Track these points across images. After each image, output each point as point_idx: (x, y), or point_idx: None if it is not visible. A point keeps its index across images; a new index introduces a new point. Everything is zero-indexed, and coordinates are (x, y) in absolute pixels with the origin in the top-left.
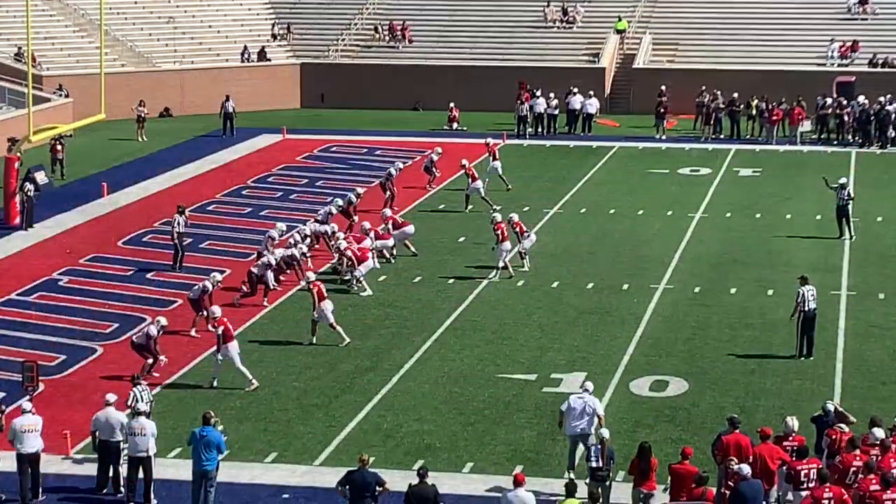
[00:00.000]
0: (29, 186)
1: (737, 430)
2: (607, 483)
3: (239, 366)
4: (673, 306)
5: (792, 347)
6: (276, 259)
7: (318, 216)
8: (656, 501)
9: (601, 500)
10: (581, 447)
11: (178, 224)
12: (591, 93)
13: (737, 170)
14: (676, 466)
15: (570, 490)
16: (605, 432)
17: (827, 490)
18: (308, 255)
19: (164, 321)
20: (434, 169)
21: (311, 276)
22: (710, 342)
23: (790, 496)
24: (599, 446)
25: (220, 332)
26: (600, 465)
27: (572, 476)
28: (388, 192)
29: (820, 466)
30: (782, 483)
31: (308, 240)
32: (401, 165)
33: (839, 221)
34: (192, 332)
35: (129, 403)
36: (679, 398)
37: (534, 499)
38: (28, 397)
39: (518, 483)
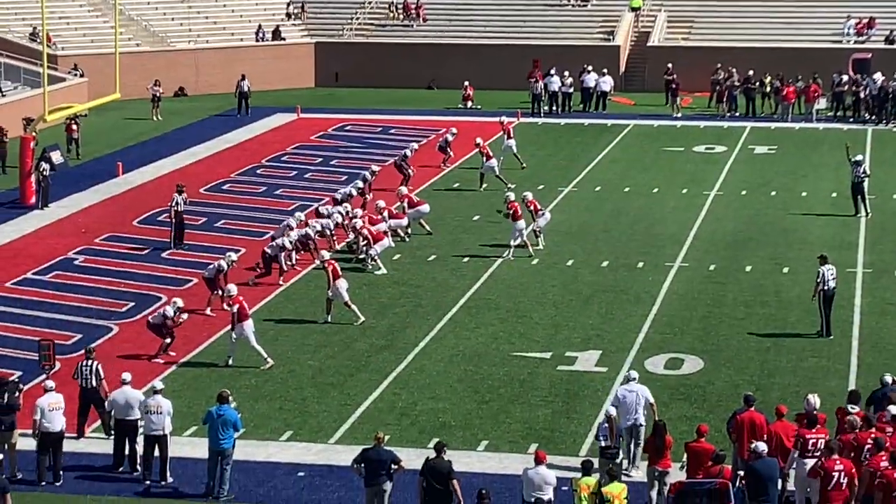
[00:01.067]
0: (45, 166)
1: (752, 408)
2: (618, 461)
3: (254, 344)
4: (688, 284)
5: (808, 325)
6: (290, 241)
7: (336, 195)
8: (671, 479)
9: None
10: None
11: (179, 203)
12: (605, 70)
13: (752, 147)
14: (693, 445)
15: (587, 468)
16: (613, 410)
17: (838, 462)
18: (332, 234)
19: (180, 302)
20: (448, 149)
21: (326, 254)
22: (725, 320)
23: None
24: (607, 425)
25: (234, 310)
26: (609, 443)
27: (633, 473)
28: (405, 172)
29: (828, 438)
30: (792, 455)
31: (330, 219)
32: (415, 146)
33: (854, 199)
34: (208, 311)
35: (73, 376)
36: (694, 376)
37: (554, 476)
38: (46, 376)
39: (539, 461)
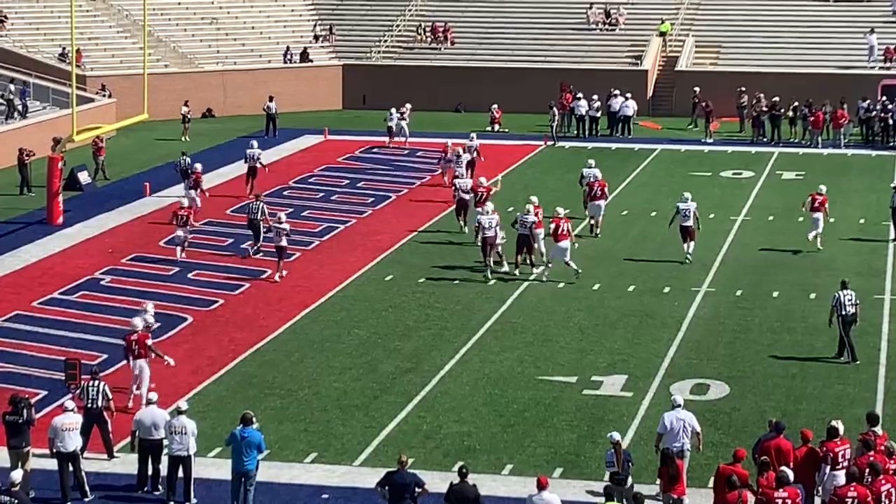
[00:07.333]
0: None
1: (781, 436)
2: (627, 486)
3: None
4: (714, 309)
5: (835, 352)
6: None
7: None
8: None
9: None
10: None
11: (253, 211)
12: (629, 94)
13: (780, 173)
14: (725, 467)
15: (609, 494)
16: (617, 435)
17: (851, 489)
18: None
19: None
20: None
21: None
22: (751, 346)
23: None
24: (613, 451)
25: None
26: (616, 469)
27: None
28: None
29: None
30: (823, 470)
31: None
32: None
33: (894, 221)
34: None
35: (80, 396)
36: (720, 402)
37: (559, 500)
38: (70, 395)
39: (542, 486)
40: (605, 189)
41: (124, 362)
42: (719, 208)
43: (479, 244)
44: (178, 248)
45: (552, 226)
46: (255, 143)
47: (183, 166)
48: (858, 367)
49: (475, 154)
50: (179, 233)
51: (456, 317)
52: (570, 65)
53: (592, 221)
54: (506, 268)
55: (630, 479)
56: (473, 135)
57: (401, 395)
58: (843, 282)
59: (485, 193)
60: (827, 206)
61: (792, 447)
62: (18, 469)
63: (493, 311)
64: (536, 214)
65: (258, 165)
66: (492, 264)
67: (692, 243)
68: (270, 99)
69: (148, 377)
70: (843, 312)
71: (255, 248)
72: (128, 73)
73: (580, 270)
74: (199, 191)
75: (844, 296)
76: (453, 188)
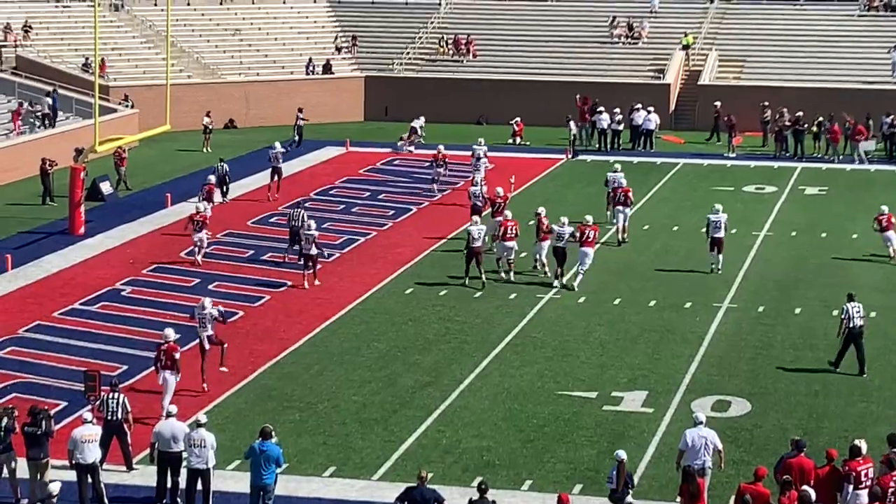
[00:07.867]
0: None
1: (802, 454)
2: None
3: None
4: (736, 325)
5: (856, 369)
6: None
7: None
8: None
9: None
10: None
11: (294, 218)
12: (651, 108)
13: (803, 188)
14: (746, 487)
15: None
16: (623, 454)
17: None
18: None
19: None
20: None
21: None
22: (773, 362)
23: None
24: (616, 469)
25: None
26: (615, 486)
27: None
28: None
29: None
30: (846, 489)
31: None
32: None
33: None
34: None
35: (99, 408)
36: (742, 419)
37: None
38: (90, 407)
39: (562, 503)
40: (630, 195)
41: (144, 374)
42: (742, 223)
43: (465, 253)
44: (197, 251)
45: (578, 233)
46: (277, 143)
47: (220, 173)
48: (881, 385)
49: (486, 160)
50: (199, 236)
51: (476, 331)
52: (593, 78)
53: (618, 227)
54: (508, 276)
55: (630, 499)
56: (481, 140)
57: (420, 409)
58: (850, 294)
59: (502, 203)
60: (894, 220)
61: (814, 466)
62: (57, 482)
63: (513, 325)
64: (548, 226)
65: (281, 165)
66: (481, 274)
67: (720, 255)
68: (300, 110)
69: (172, 389)
70: (852, 325)
71: (287, 254)
72: (151, 84)
73: (559, 285)
74: (210, 203)
75: (853, 308)
76: (468, 195)
